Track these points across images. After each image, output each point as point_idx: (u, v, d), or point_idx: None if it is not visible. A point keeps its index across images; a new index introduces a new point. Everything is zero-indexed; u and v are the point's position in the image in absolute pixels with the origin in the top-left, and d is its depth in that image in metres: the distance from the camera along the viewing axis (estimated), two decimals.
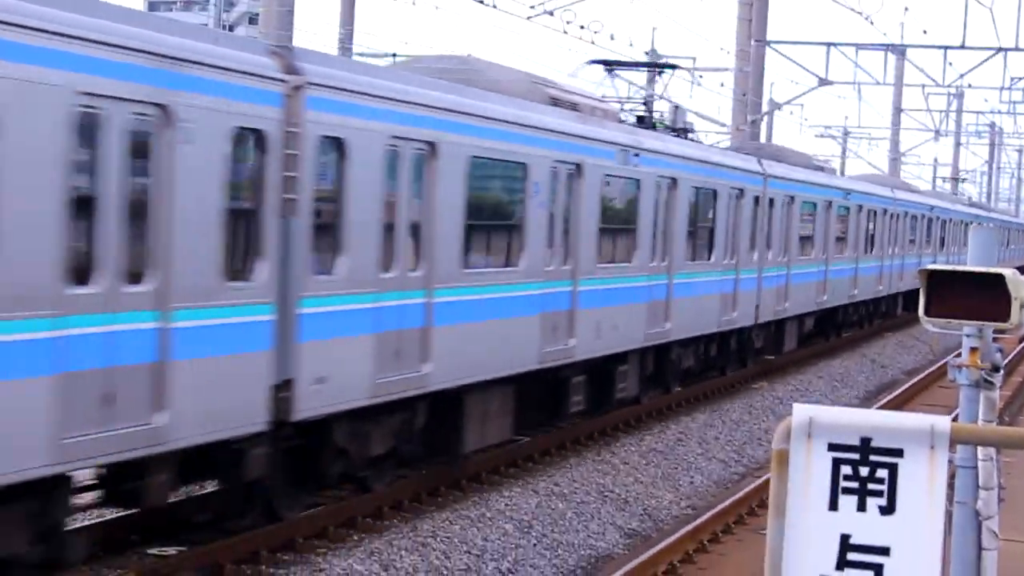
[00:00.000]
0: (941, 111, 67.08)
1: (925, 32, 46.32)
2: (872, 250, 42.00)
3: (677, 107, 28.63)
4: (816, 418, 4.86)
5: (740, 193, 28.53)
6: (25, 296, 10.96)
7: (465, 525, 16.98)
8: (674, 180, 24.70)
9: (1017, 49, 44.72)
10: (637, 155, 22.85)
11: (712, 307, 27.32)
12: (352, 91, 15.18)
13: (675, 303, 24.82)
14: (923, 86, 56.25)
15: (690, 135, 28.80)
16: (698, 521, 18.06)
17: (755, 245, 29.84)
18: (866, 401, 33.02)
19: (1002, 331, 8.42)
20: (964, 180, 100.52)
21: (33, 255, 11.03)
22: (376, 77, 16.00)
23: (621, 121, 24.48)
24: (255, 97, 13.55)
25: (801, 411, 4.86)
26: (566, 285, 20.45)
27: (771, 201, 30.74)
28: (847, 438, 4.85)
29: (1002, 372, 8.33)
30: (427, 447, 18.42)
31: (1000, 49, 45.24)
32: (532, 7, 30.18)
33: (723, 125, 44.27)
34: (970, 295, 7.97)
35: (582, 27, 32.61)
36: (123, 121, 11.91)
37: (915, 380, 35.06)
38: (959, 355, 8.74)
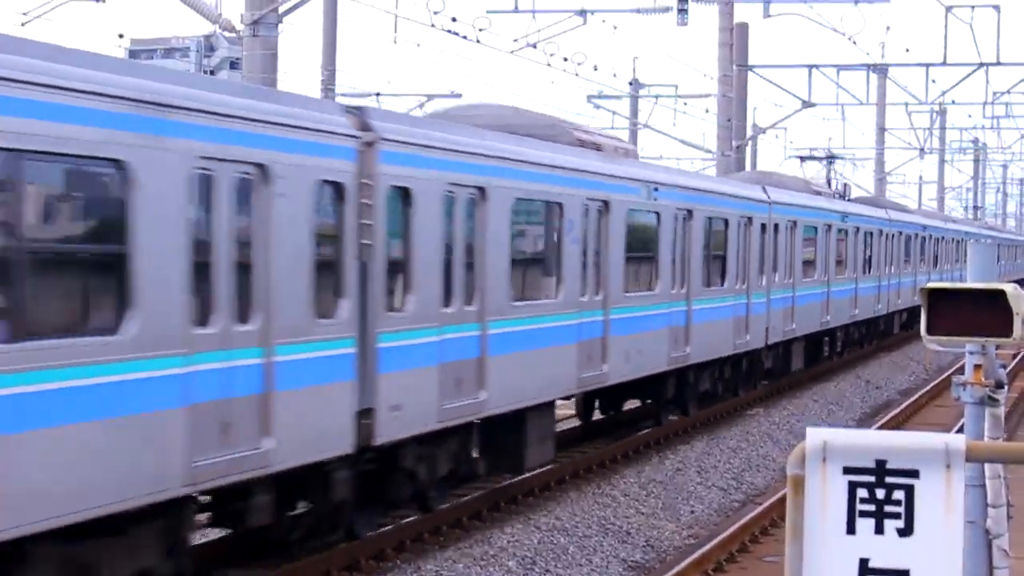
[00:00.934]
0: (925, 129, 67.21)
1: (908, 51, 46.36)
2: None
3: (846, 185, 46.80)
4: (830, 442, 4.79)
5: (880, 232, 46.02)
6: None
7: (468, 563, 16.87)
8: (857, 228, 41.21)
9: (998, 64, 44.78)
10: (846, 217, 39.59)
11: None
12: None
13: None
14: (906, 104, 56.34)
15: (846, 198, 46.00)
16: (701, 551, 17.94)
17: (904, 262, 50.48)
18: (862, 423, 32.92)
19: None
20: (979, 208, 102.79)
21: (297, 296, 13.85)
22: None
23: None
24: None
25: (815, 435, 4.80)
26: (871, 282, 43.40)
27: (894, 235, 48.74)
28: (862, 460, 4.77)
29: (1007, 388, 8.28)
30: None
31: (981, 64, 45.31)
32: (515, 40, 30.19)
33: (709, 152, 44.30)
34: (971, 312, 7.91)
35: (565, 59, 32.61)
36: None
37: (910, 400, 34.99)
38: (961, 372, 8.69)
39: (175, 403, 12.19)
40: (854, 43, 40.73)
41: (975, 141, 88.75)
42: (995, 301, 7.84)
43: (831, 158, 54.51)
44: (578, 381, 21.39)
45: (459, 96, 45.02)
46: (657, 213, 24.53)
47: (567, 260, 20.59)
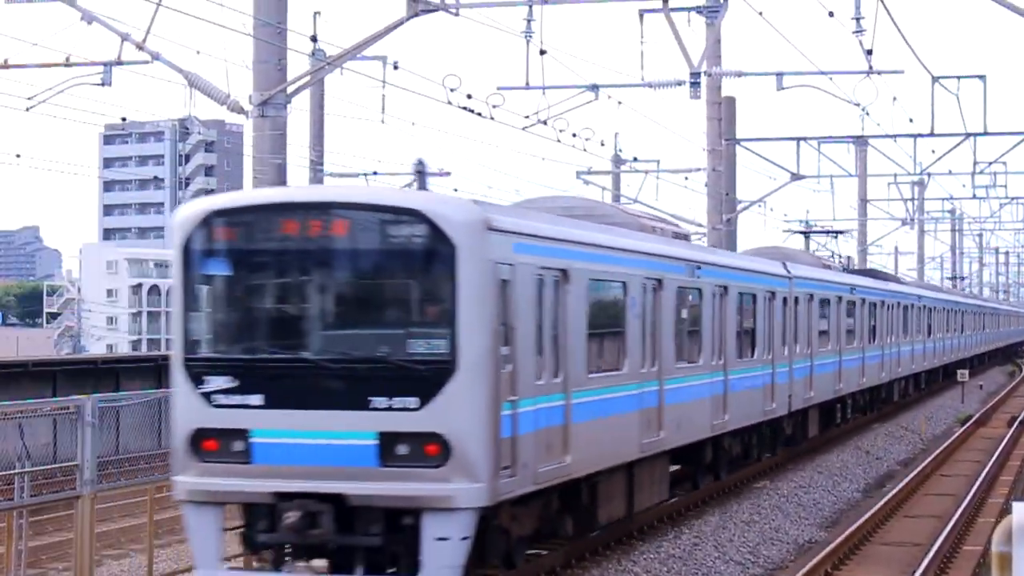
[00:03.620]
0: (908, 199, 67.39)
1: (912, 121, 46.37)
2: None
3: (849, 258, 52.33)
4: None
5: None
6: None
7: None
8: (863, 300, 43.86)
9: (985, 134, 44.94)
10: (854, 289, 42.28)
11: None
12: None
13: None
14: (895, 176, 56.51)
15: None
16: None
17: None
18: (868, 494, 32.81)
19: None
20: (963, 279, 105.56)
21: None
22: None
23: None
24: None
25: (1021, 510, 4.64)
26: (875, 351, 46.07)
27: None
28: None
29: None
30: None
31: (968, 135, 45.47)
32: (527, 117, 30.20)
33: (700, 225, 44.24)
34: None
35: (574, 135, 32.64)
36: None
37: (917, 470, 34.91)
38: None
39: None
40: (867, 114, 40.88)
41: (952, 211, 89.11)
42: None
43: (813, 231, 57.11)
44: (640, 447, 22.77)
45: (448, 175, 44.98)
46: (699, 289, 26.43)
47: (630, 334, 22.27)
